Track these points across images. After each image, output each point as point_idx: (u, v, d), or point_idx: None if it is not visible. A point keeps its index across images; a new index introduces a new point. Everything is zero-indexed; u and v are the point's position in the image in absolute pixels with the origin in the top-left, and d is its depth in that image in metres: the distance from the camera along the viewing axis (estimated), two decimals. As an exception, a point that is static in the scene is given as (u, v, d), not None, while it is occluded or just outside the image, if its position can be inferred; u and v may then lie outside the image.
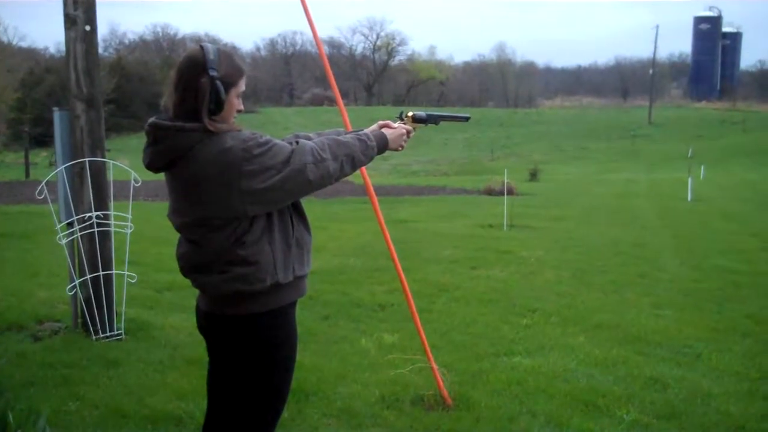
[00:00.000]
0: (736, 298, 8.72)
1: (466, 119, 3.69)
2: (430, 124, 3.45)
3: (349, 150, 2.92)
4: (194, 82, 2.72)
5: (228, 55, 2.82)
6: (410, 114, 3.34)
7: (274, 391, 2.99)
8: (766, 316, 7.81)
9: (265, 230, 2.80)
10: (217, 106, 2.73)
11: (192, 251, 2.86)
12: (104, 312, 6.42)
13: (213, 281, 2.83)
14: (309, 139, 3.00)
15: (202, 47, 2.76)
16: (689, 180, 21.54)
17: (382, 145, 3.11)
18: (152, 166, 2.83)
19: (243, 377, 2.93)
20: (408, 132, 3.25)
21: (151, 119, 2.78)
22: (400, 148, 3.21)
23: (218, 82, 2.71)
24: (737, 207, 19.51)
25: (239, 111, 2.87)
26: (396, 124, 3.23)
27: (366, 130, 3.11)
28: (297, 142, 2.82)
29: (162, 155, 2.77)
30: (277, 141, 2.78)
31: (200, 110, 2.71)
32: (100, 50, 6.35)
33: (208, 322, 2.98)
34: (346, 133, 3.09)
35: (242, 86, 2.85)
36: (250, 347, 2.89)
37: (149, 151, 2.80)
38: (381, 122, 3.21)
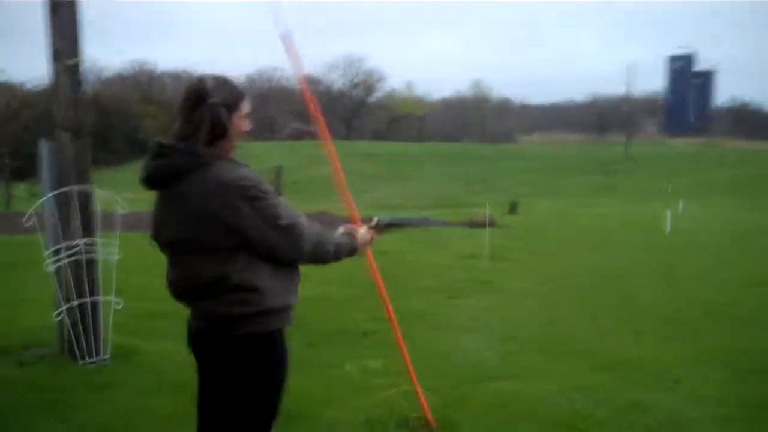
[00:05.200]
0: (713, 328, 8.84)
1: (428, 222, 3.88)
2: (394, 228, 3.61)
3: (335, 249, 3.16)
4: (194, 113, 2.86)
5: (225, 81, 2.95)
6: (376, 219, 3.54)
7: (265, 411, 3.06)
8: (743, 345, 7.93)
9: (255, 259, 2.91)
10: (222, 131, 2.88)
11: (184, 277, 2.95)
12: (91, 337, 6.46)
13: (207, 304, 2.92)
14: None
15: (199, 79, 2.92)
16: (668, 213, 21.76)
17: (354, 250, 3.32)
18: (150, 179, 2.93)
19: (235, 397, 3.00)
20: (372, 239, 3.48)
21: (156, 139, 2.93)
22: (363, 254, 3.46)
23: (220, 108, 2.86)
24: (715, 240, 19.72)
25: (246, 132, 3.00)
26: (363, 230, 3.42)
27: (345, 239, 3.26)
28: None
29: (161, 170, 2.89)
30: (282, 202, 2.96)
31: (198, 138, 2.85)
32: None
33: (199, 341, 3.05)
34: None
35: (245, 108, 2.98)
36: (241, 367, 2.96)
37: (151, 165, 2.92)
38: (349, 227, 3.37)
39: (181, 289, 2.99)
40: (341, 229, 3.32)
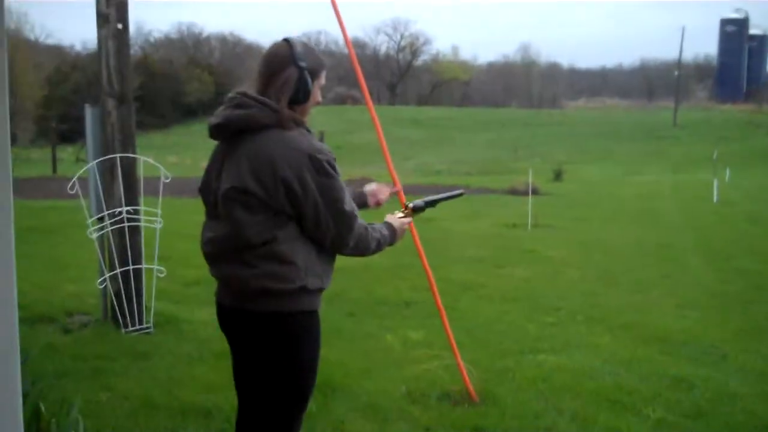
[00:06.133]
0: (761, 300, 8.68)
1: (461, 194, 3.96)
2: (428, 208, 3.64)
3: (376, 244, 3.13)
4: (281, 73, 2.84)
5: (312, 48, 2.96)
6: (410, 206, 3.51)
7: (298, 390, 3.01)
8: (792, 318, 7.77)
9: (301, 234, 2.86)
10: (304, 95, 2.87)
11: (226, 236, 2.87)
12: (134, 305, 6.51)
13: (242, 274, 2.85)
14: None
15: (288, 40, 2.89)
16: (715, 182, 21.40)
17: (394, 240, 3.30)
18: (222, 127, 2.89)
19: (267, 374, 2.96)
20: (409, 224, 3.48)
21: (239, 89, 2.91)
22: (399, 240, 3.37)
23: (306, 73, 2.85)
24: (763, 209, 19.34)
25: (317, 102, 2.97)
26: (399, 217, 3.40)
27: (386, 232, 3.22)
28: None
29: (238, 120, 2.84)
30: (346, 188, 2.92)
31: (281, 98, 2.83)
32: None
33: (231, 318, 3.00)
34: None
35: (323, 79, 2.97)
36: (273, 345, 2.92)
37: (227, 113, 2.87)
38: (389, 217, 3.35)
39: (220, 248, 2.91)
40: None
